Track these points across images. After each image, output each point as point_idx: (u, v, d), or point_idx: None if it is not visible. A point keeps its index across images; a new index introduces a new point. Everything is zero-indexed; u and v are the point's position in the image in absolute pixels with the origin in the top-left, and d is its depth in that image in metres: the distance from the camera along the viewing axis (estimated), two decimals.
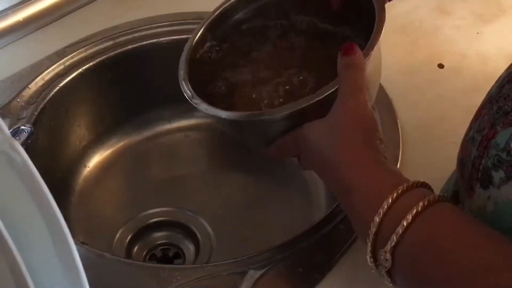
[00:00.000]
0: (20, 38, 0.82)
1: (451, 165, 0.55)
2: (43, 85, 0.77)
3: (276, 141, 0.58)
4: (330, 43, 0.64)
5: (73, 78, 0.79)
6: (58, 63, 0.79)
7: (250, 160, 0.80)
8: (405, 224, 0.43)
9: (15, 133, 0.65)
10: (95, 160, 0.85)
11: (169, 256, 0.79)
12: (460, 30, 0.87)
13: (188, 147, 0.89)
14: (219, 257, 0.76)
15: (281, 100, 0.60)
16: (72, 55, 0.80)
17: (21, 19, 0.82)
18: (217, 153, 0.90)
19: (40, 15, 0.83)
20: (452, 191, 0.54)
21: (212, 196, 0.83)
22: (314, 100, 0.54)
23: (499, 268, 0.39)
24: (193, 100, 0.59)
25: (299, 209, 0.80)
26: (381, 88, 0.72)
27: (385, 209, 0.45)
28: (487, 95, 0.50)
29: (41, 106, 0.75)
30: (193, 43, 0.64)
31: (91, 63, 0.80)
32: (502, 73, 0.50)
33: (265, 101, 0.61)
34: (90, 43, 0.81)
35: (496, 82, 0.50)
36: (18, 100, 0.75)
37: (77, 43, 0.81)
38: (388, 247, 0.44)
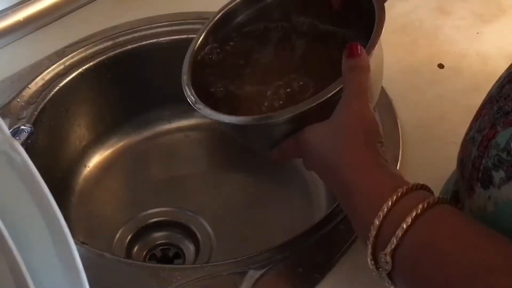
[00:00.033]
0: (20, 38, 0.82)
1: (451, 165, 0.55)
2: (43, 85, 0.77)
3: (279, 145, 0.58)
4: (331, 44, 0.64)
5: (73, 78, 0.79)
6: (58, 63, 0.79)
7: (250, 160, 0.80)
8: (404, 226, 0.43)
9: (15, 133, 0.65)
10: (95, 160, 0.85)
11: (169, 256, 0.79)
12: (460, 30, 0.87)
13: (188, 147, 0.89)
14: (219, 257, 0.76)
15: (281, 102, 0.61)
16: (72, 55, 0.80)
17: (21, 19, 0.81)
18: (217, 153, 0.90)
19: (40, 15, 0.83)
20: (452, 191, 0.54)
21: (212, 196, 0.83)
22: (316, 103, 0.54)
23: (499, 268, 0.39)
24: (196, 105, 0.60)
25: (299, 209, 0.80)
26: (381, 88, 0.72)
27: (385, 211, 0.45)
28: (487, 95, 0.50)
29: (41, 106, 0.75)
30: (196, 47, 0.64)
31: (91, 63, 0.80)
32: (503, 73, 0.50)
33: (265, 104, 0.61)
34: (90, 43, 0.81)
35: (497, 82, 0.50)
36: (18, 100, 0.75)
37: (77, 43, 0.81)
38: (388, 249, 0.44)
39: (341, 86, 0.54)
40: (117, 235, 0.79)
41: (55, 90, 0.77)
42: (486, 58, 0.83)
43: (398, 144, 0.70)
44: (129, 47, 0.82)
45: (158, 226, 0.81)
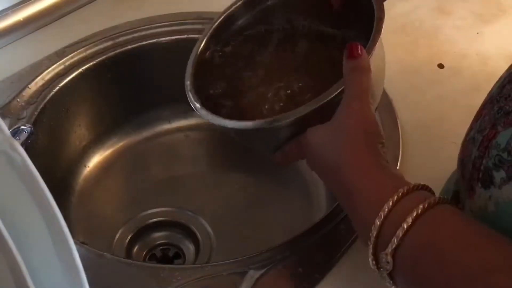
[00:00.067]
0: (20, 38, 0.82)
1: (451, 165, 0.55)
2: (43, 85, 0.77)
3: (282, 148, 0.58)
4: (331, 45, 0.64)
5: (73, 78, 0.79)
6: (58, 63, 0.79)
7: (250, 160, 0.80)
8: (405, 226, 0.43)
9: (15, 133, 0.65)
10: (95, 160, 0.85)
11: (169, 256, 0.79)
12: (460, 30, 0.87)
13: (188, 147, 0.89)
14: (219, 257, 0.76)
15: (281, 104, 0.61)
16: (72, 55, 0.80)
17: (21, 19, 0.81)
18: (217, 153, 0.90)
19: (40, 15, 0.83)
20: (453, 191, 0.54)
21: (212, 196, 0.83)
22: (319, 105, 0.54)
23: (499, 268, 0.39)
24: (201, 112, 0.60)
25: (299, 209, 0.80)
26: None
27: (385, 212, 0.45)
28: (488, 95, 0.50)
29: (41, 106, 0.75)
30: (198, 52, 0.65)
31: (91, 63, 0.80)
32: (503, 73, 0.50)
33: (266, 106, 0.61)
34: (90, 43, 0.81)
35: (497, 82, 0.50)
36: (18, 100, 0.75)
37: (77, 43, 0.81)
38: (389, 249, 0.44)
39: (343, 87, 0.54)
40: (117, 235, 0.79)
41: (55, 90, 0.77)
42: (486, 58, 0.83)
43: (398, 144, 0.70)
44: (129, 47, 0.82)
45: (158, 226, 0.81)
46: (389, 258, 0.44)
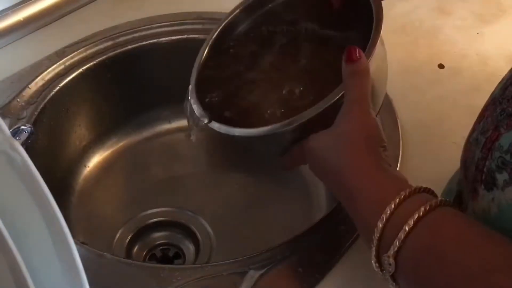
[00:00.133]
0: (20, 38, 0.82)
1: (451, 165, 0.55)
2: (43, 85, 0.77)
3: (285, 154, 0.59)
4: (332, 46, 0.63)
5: (73, 78, 0.79)
6: (58, 63, 0.79)
7: (250, 160, 0.80)
8: (406, 229, 0.44)
9: (15, 133, 0.65)
10: (95, 160, 0.85)
11: (169, 256, 0.79)
12: (460, 30, 0.87)
13: (188, 147, 0.89)
14: (219, 257, 0.76)
15: (282, 110, 0.61)
16: (72, 55, 0.80)
17: (21, 19, 0.81)
18: (217, 153, 0.90)
19: (40, 15, 0.83)
20: (456, 191, 0.54)
21: (212, 196, 0.83)
22: (320, 110, 0.55)
23: (500, 268, 0.39)
24: (205, 120, 0.60)
25: (299, 209, 0.80)
26: None
27: (387, 214, 0.45)
28: (490, 96, 0.50)
29: (41, 106, 0.75)
30: (201, 61, 0.65)
31: (91, 63, 0.80)
32: (506, 75, 0.50)
33: (268, 111, 0.61)
34: (90, 43, 0.81)
35: (499, 83, 0.50)
36: (18, 100, 0.75)
37: (77, 43, 0.81)
38: (391, 252, 0.44)
39: (343, 92, 0.55)
40: (117, 235, 0.79)
41: (55, 90, 0.77)
42: (486, 58, 0.83)
43: (398, 144, 0.70)
44: (129, 47, 0.82)
45: (158, 226, 0.81)
46: (391, 260, 0.44)
